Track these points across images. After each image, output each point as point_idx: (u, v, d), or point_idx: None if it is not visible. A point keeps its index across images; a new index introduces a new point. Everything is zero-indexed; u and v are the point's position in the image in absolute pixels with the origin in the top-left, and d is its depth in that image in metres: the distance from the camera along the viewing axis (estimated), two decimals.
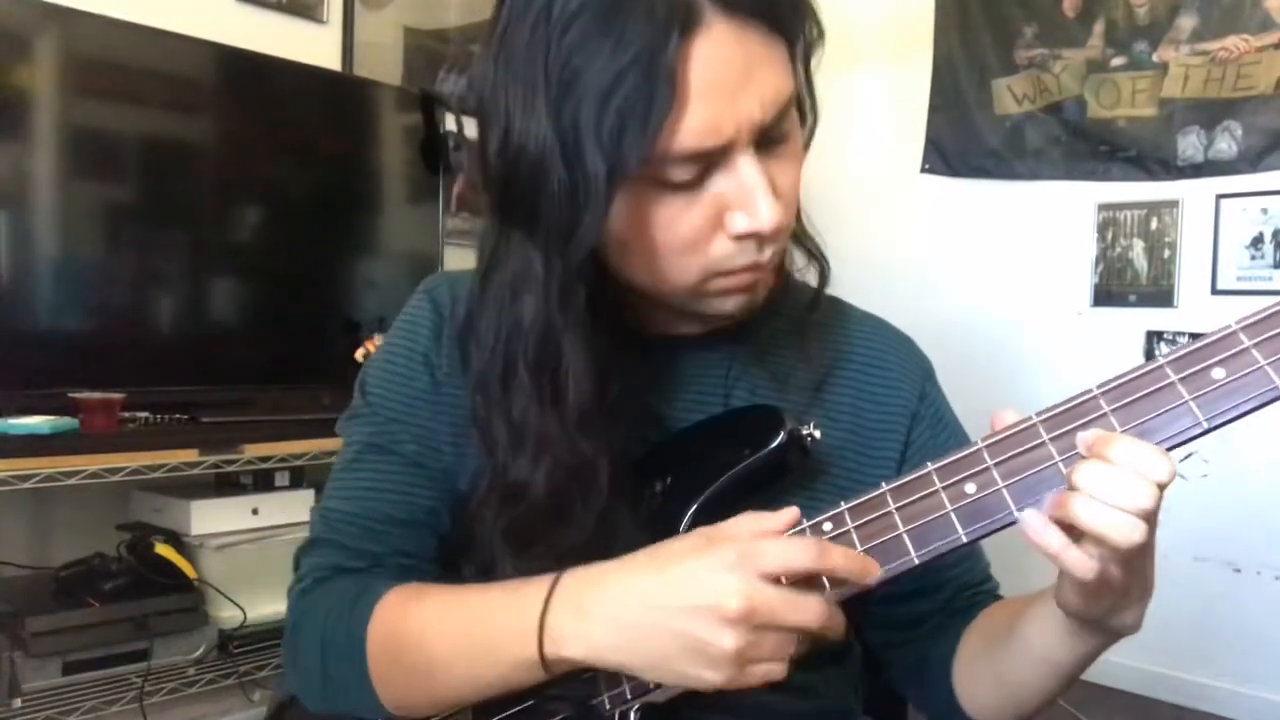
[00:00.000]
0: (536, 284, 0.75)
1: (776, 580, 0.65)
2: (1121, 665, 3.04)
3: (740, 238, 0.74)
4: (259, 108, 2.59)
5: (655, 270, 0.77)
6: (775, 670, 0.66)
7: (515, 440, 0.78)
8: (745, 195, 0.72)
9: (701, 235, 0.74)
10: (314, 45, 2.88)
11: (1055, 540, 0.62)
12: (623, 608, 0.68)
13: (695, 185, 0.73)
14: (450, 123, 2.75)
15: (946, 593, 0.90)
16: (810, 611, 0.65)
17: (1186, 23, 3.00)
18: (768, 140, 0.73)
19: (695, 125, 0.69)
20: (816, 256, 0.89)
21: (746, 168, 0.72)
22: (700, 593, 0.65)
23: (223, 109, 2.54)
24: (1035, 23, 3.26)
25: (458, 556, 0.85)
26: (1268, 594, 2.89)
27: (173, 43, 2.41)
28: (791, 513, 0.70)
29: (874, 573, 0.67)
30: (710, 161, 0.72)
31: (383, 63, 3.05)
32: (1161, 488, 0.60)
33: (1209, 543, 2.93)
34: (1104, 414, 0.62)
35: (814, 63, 0.78)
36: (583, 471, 0.76)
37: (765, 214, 0.72)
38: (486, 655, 0.73)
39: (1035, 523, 0.62)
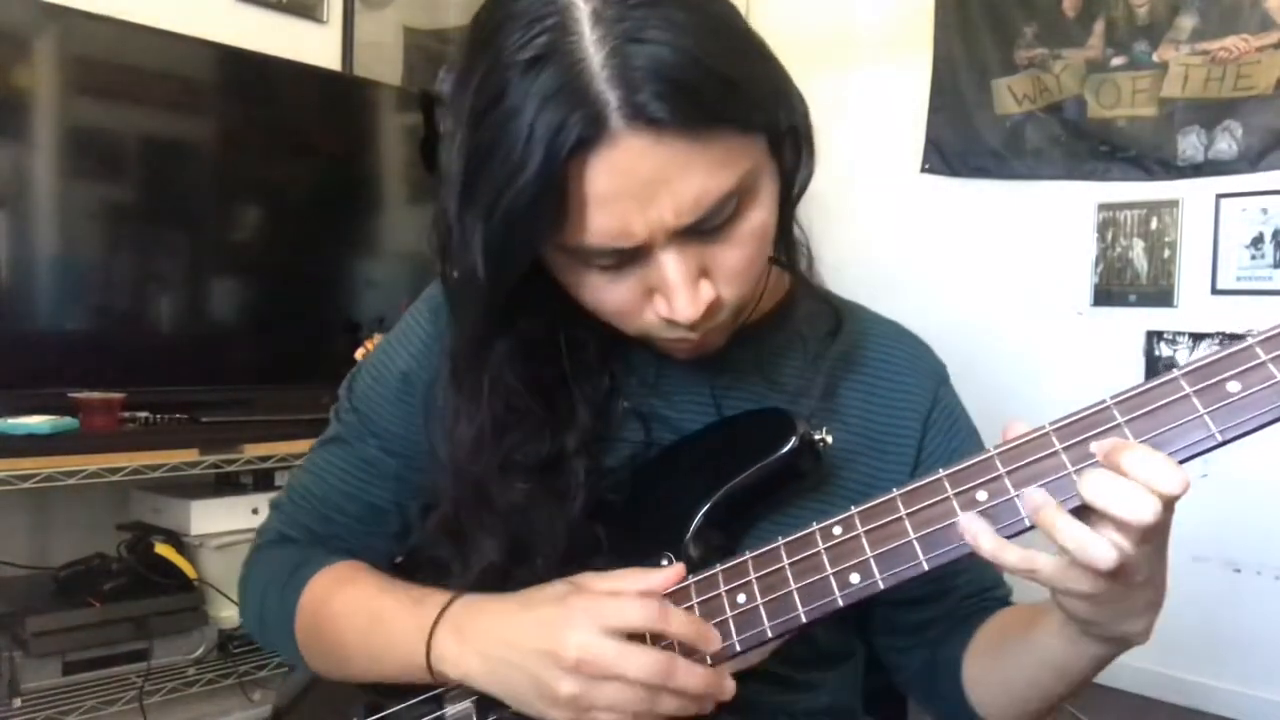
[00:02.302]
0: (453, 344, 0.82)
1: (623, 635, 0.69)
2: (1122, 665, 3.01)
3: (664, 319, 0.74)
4: (259, 108, 2.59)
5: (601, 317, 0.78)
6: None
7: (447, 460, 0.84)
8: (664, 288, 0.71)
9: (630, 307, 0.74)
10: (314, 45, 2.88)
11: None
12: (489, 641, 0.73)
13: (618, 267, 0.71)
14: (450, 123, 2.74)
15: (953, 599, 0.90)
16: (642, 665, 0.68)
17: (1186, 23, 3.00)
18: (700, 230, 0.69)
19: (600, 229, 0.67)
20: (828, 302, 0.89)
21: (665, 263, 0.70)
22: (546, 638, 0.70)
23: (223, 109, 2.54)
24: (1035, 23, 3.26)
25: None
26: (1268, 594, 2.90)
27: (173, 43, 2.41)
28: (676, 570, 0.74)
29: (712, 642, 0.71)
30: (627, 254, 0.70)
31: (383, 63, 3.05)
32: (1174, 500, 0.59)
33: (1209, 543, 2.94)
34: (1118, 424, 0.62)
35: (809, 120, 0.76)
36: (485, 518, 0.81)
37: (682, 309, 0.71)
38: (385, 654, 0.80)
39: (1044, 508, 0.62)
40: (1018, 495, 0.64)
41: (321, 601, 0.86)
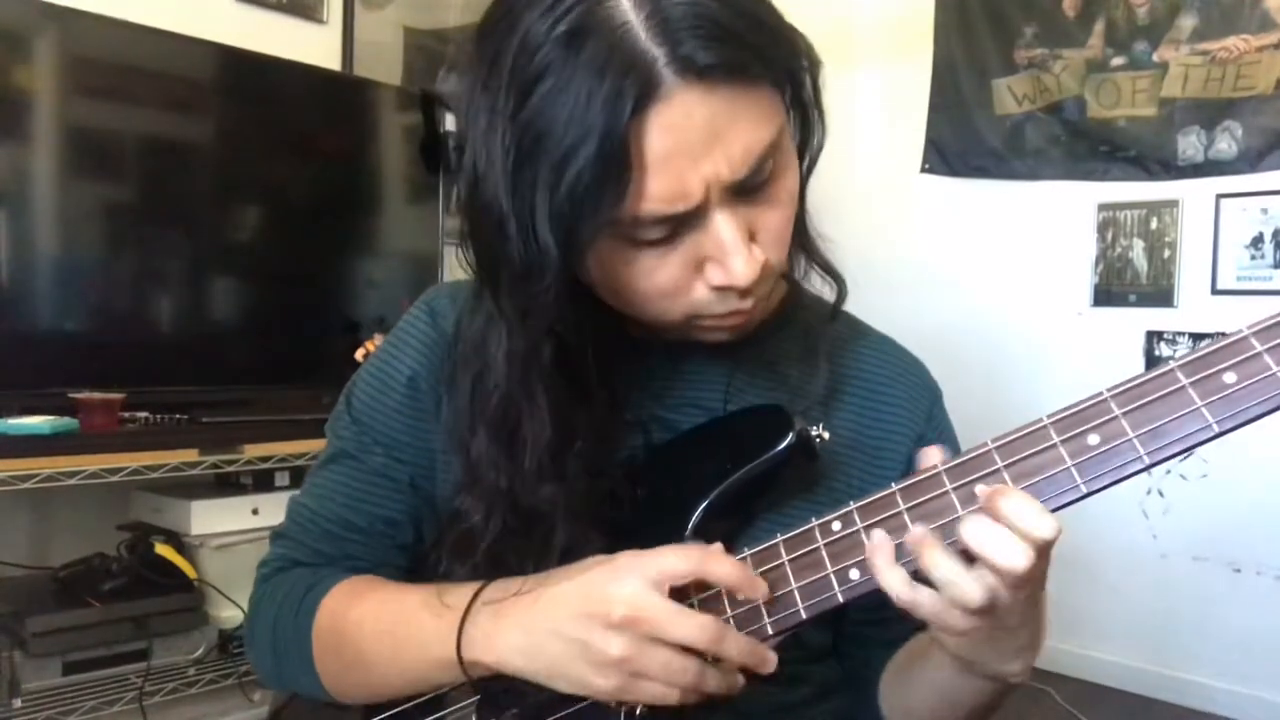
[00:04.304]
0: (499, 348, 0.78)
1: (672, 593, 0.68)
2: (1121, 665, 3.04)
3: (718, 289, 0.74)
4: (259, 108, 2.59)
5: (639, 310, 0.77)
6: (667, 695, 0.68)
7: (470, 482, 0.81)
8: (720, 252, 0.71)
9: (680, 284, 0.74)
10: (314, 45, 2.88)
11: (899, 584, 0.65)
12: (531, 614, 0.71)
13: (670, 240, 0.71)
14: (450, 123, 2.74)
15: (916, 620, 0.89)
16: (695, 626, 0.67)
17: (1186, 23, 3.00)
18: (747, 189, 0.71)
19: (659, 193, 0.67)
20: (833, 275, 0.88)
21: (720, 225, 0.70)
22: (592, 599, 0.68)
23: (223, 109, 2.54)
24: (1035, 23, 3.26)
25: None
26: (1268, 594, 2.89)
27: (173, 43, 2.40)
28: (716, 547, 0.73)
29: (759, 588, 0.70)
30: (682, 220, 0.70)
31: (383, 63, 3.05)
32: (1046, 546, 0.61)
33: (1209, 543, 2.94)
34: (1115, 417, 0.62)
35: (820, 82, 0.76)
36: (534, 527, 0.78)
37: (740, 270, 0.71)
38: (410, 653, 0.77)
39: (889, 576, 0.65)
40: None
41: (340, 615, 0.82)
